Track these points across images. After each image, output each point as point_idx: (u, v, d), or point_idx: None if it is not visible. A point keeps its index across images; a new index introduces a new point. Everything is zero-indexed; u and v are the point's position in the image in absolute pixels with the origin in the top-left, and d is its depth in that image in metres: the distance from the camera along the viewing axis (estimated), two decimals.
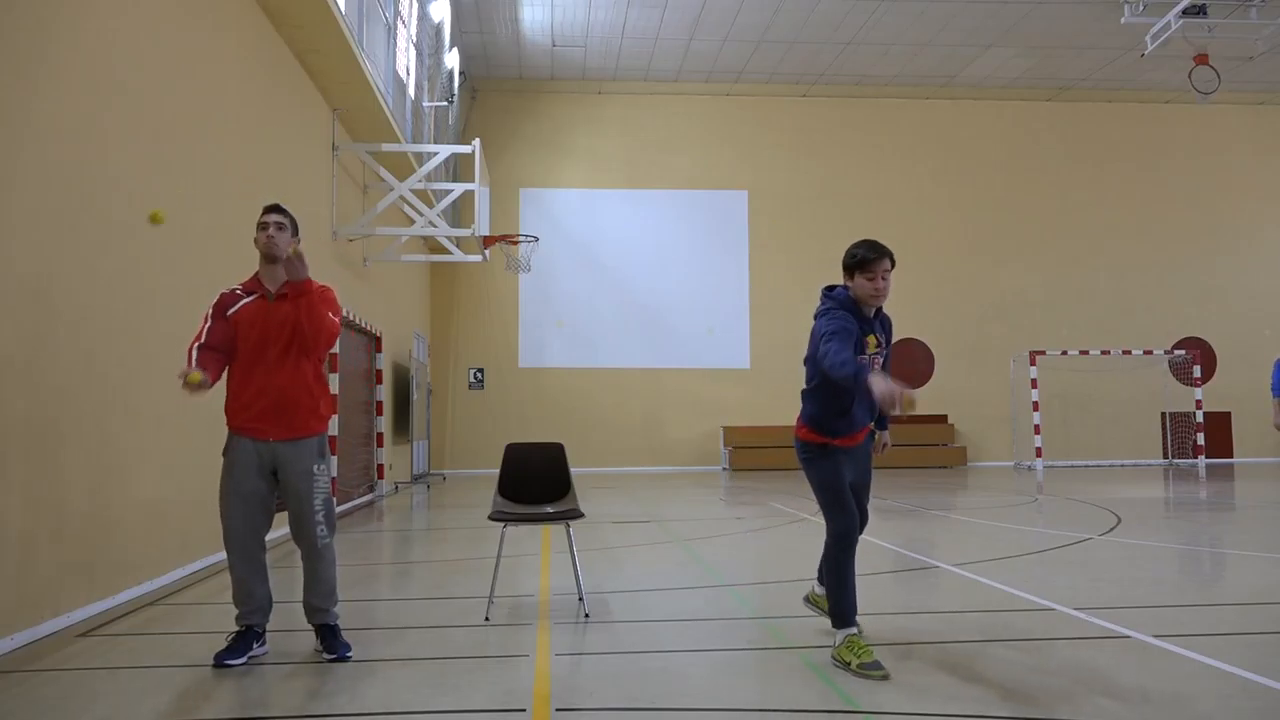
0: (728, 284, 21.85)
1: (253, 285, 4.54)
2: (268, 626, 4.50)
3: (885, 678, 3.84)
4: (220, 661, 4.20)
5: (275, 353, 4.41)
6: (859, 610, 4.22)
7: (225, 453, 4.47)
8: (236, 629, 4.38)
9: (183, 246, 6.80)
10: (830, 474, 4.28)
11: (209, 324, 4.45)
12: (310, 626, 4.51)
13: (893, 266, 4.16)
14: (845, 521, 4.23)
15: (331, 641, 4.41)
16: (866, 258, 4.13)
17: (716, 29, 19.07)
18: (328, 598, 4.48)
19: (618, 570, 6.99)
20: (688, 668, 4.17)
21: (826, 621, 4.82)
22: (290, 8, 9.05)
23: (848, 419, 4.26)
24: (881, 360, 4.26)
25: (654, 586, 6.28)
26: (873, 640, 4.31)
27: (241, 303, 4.47)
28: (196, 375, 4.15)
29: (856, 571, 4.25)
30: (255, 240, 4.53)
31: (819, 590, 4.74)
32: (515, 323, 21.53)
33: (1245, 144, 23.01)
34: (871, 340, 4.19)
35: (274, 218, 4.52)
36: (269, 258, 4.49)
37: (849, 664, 3.97)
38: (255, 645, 4.37)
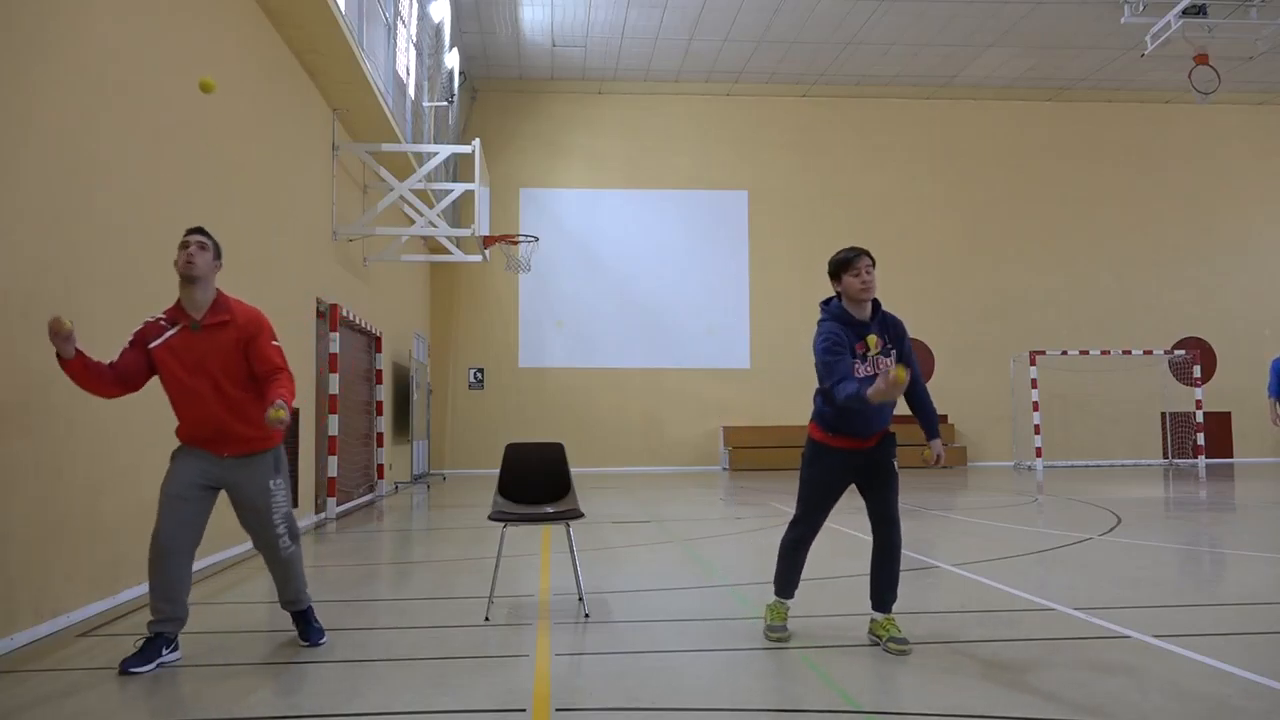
0: (728, 284, 21.85)
1: (175, 314, 4.35)
2: (180, 632, 4.37)
3: (780, 640, 4.50)
4: (126, 669, 4.07)
5: (207, 385, 4.27)
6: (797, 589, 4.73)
7: (172, 458, 4.40)
8: (146, 635, 4.23)
9: None
10: (817, 476, 4.55)
11: (125, 348, 4.30)
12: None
13: (873, 264, 4.42)
14: (801, 529, 4.64)
15: (304, 628, 4.58)
16: (848, 258, 4.42)
17: (716, 29, 19.07)
18: (299, 592, 4.62)
19: (618, 570, 6.99)
20: (688, 668, 4.17)
21: (826, 622, 4.87)
22: (290, 8, 9.05)
23: (856, 419, 4.39)
24: (892, 359, 4.38)
25: (654, 586, 6.28)
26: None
27: (165, 336, 4.29)
28: (65, 324, 3.96)
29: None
30: (175, 262, 4.32)
31: (878, 616, 4.52)
32: (515, 323, 21.52)
33: (1245, 144, 23.00)
34: (872, 340, 4.36)
35: (195, 238, 4.34)
36: (187, 279, 4.30)
37: (768, 625, 4.63)
38: (165, 651, 4.21)
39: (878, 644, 4.37)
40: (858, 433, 4.44)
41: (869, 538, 4.56)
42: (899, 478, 4.57)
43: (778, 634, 4.54)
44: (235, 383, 4.32)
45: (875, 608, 4.51)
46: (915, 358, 4.44)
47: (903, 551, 4.57)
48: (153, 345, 4.30)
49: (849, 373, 4.21)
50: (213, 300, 4.38)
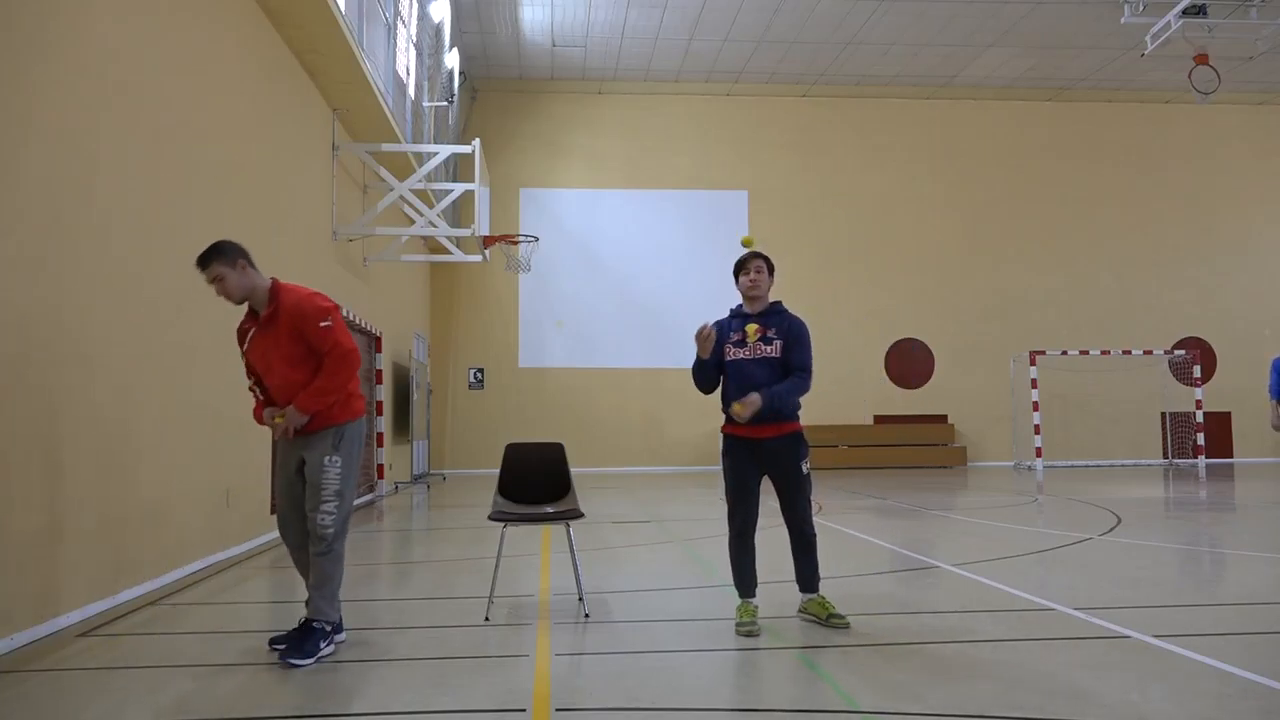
0: (728, 284, 21.55)
1: (250, 312, 4.59)
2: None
3: (750, 634, 4.58)
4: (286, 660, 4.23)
5: (274, 372, 4.50)
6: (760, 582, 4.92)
7: (275, 444, 4.69)
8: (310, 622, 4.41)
9: (183, 247, 6.79)
10: (728, 465, 4.90)
11: (245, 363, 4.62)
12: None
13: (768, 266, 5.05)
14: (736, 523, 4.87)
15: (295, 639, 4.28)
16: (741, 260, 5.09)
17: (716, 29, 19.07)
18: (317, 591, 4.39)
19: (618, 570, 6.99)
20: (688, 668, 4.16)
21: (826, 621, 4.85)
22: (290, 8, 9.05)
23: (731, 395, 4.84)
24: (775, 348, 4.87)
25: (654, 586, 6.28)
26: (872, 640, 4.46)
27: (249, 336, 4.56)
28: (275, 419, 4.42)
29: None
30: None
31: (811, 597, 4.88)
32: (515, 323, 21.53)
33: (1245, 144, 23.01)
34: (750, 329, 4.93)
35: (206, 273, 4.43)
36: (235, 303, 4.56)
37: (737, 623, 4.70)
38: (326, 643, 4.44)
39: (816, 622, 4.72)
40: (735, 418, 4.75)
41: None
42: (810, 481, 4.88)
43: (745, 628, 4.66)
44: (294, 366, 4.47)
45: (803, 589, 4.87)
46: (799, 357, 4.87)
47: (819, 541, 4.94)
48: (244, 350, 4.57)
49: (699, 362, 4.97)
50: (268, 291, 4.52)
